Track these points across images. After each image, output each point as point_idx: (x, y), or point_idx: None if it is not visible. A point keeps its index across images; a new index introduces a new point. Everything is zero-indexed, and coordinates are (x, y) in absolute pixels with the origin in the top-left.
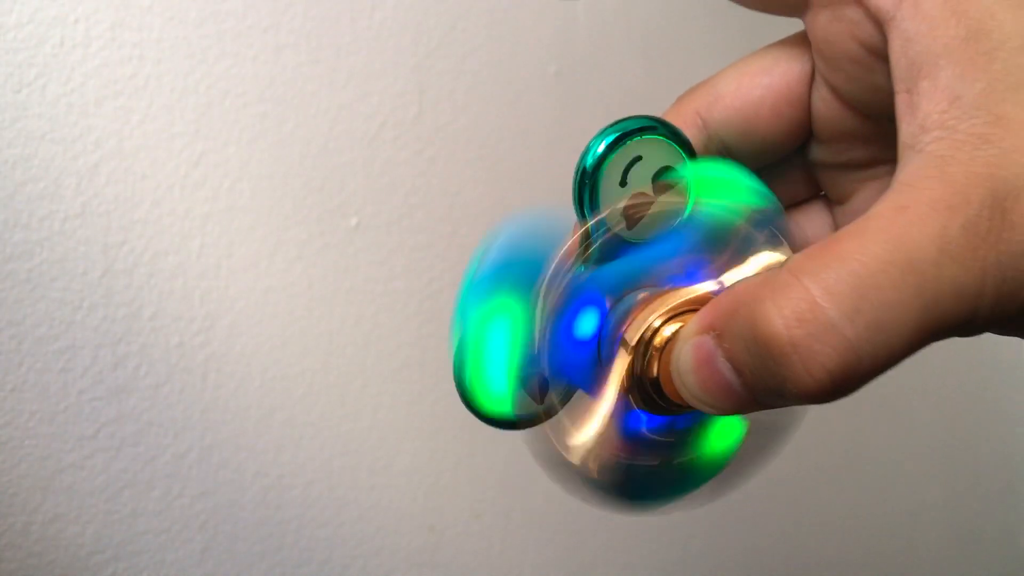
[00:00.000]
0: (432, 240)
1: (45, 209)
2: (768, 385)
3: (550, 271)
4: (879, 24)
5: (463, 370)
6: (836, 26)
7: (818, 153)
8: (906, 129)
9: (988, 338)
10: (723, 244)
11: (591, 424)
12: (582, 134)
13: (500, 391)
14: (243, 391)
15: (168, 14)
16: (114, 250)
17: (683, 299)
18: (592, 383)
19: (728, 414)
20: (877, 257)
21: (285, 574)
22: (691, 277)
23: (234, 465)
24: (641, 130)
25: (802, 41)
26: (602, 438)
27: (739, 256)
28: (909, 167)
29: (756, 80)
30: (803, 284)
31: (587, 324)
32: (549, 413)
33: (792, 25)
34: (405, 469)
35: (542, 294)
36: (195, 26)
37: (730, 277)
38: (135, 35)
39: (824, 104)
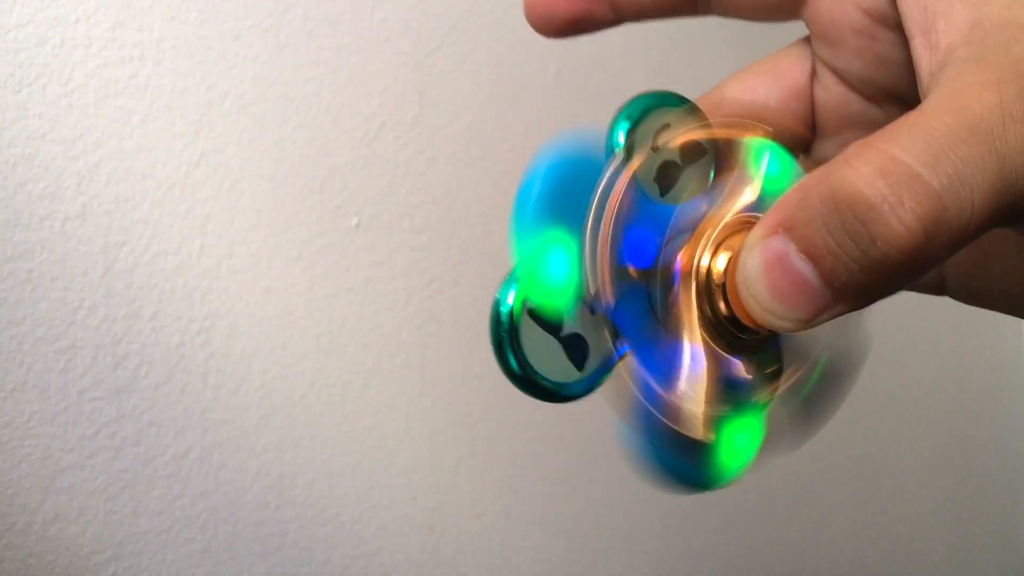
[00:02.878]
0: (432, 240)
1: (46, 209)
2: (853, 258)
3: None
4: None
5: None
6: (839, 2)
7: (823, 151)
8: (927, 65)
9: (989, 336)
10: (716, 164)
11: (695, 391)
12: None
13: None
14: (243, 391)
15: (169, 15)
16: (114, 250)
17: (719, 228)
18: (661, 346)
19: (802, 324)
20: (944, 124)
21: (285, 574)
22: (707, 207)
23: (234, 465)
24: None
25: (798, 44)
26: (711, 398)
27: (743, 168)
28: (946, 72)
29: (759, 79)
30: (878, 147)
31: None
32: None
33: (788, 32)
34: (405, 469)
35: (589, 234)
36: (195, 27)
37: (748, 190)
38: (136, 35)
39: (827, 93)
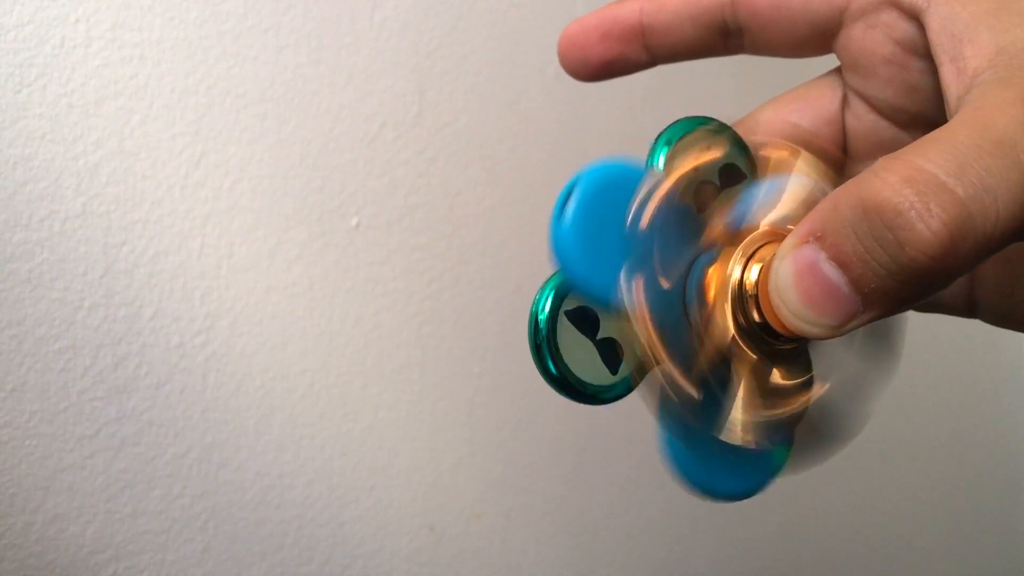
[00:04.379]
0: (432, 240)
1: (46, 209)
2: (882, 263)
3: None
4: (914, 18)
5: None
6: (871, 33)
7: (855, 173)
8: (954, 89)
9: (990, 336)
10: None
11: (735, 396)
12: (582, 135)
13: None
14: (243, 391)
15: (169, 15)
16: (114, 250)
17: (748, 239)
18: (695, 352)
19: (833, 330)
20: (969, 138)
21: (285, 574)
22: (739, 221)
23: (234, 465)
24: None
25: (829, 74)
26: (748, 404)
27: (775, 183)
28: (972, 93)
29: (792, 106)
30: (905, 158)
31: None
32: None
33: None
34: (405, 469)
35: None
36: (195, 27)
37: (779, 205)
38: (136, 35)
39: (858, 120)
